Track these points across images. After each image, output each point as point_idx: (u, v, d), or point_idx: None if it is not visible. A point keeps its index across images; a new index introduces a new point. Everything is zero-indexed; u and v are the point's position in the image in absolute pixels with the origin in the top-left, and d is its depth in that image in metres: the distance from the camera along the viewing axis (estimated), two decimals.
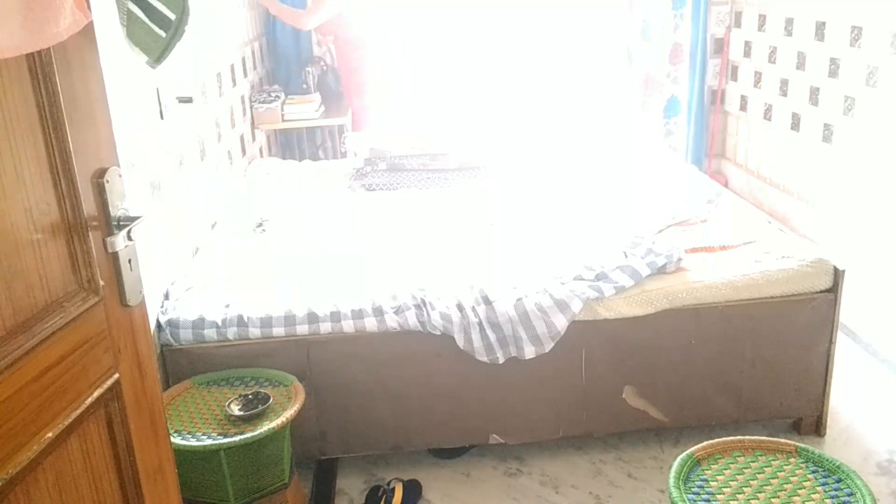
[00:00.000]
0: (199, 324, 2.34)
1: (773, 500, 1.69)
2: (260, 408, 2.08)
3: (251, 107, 4.14)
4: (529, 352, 2.35)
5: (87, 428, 1.18)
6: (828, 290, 2.49)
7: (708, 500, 1.70)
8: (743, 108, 4.70)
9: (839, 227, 3.71)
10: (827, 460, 1.77)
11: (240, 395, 2.15)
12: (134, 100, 2.32)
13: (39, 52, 1.07)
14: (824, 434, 2.62)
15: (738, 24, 4.72)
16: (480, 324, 2.35)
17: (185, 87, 2.90)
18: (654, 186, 3.41)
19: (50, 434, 1.08)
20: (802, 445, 1.82)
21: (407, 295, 2.43)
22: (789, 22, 4.09)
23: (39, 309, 1.08)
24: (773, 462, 1.80)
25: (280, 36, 4.71)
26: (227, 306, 2.43)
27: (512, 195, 3.39)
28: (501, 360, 2.37)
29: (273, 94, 4.25)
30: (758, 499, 1.69)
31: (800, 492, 1.71)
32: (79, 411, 1.15)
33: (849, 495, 1.68)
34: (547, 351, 2.36)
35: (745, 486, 1.73)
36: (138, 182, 2.28)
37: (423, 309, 2.38)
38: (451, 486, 2.49)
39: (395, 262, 2.74)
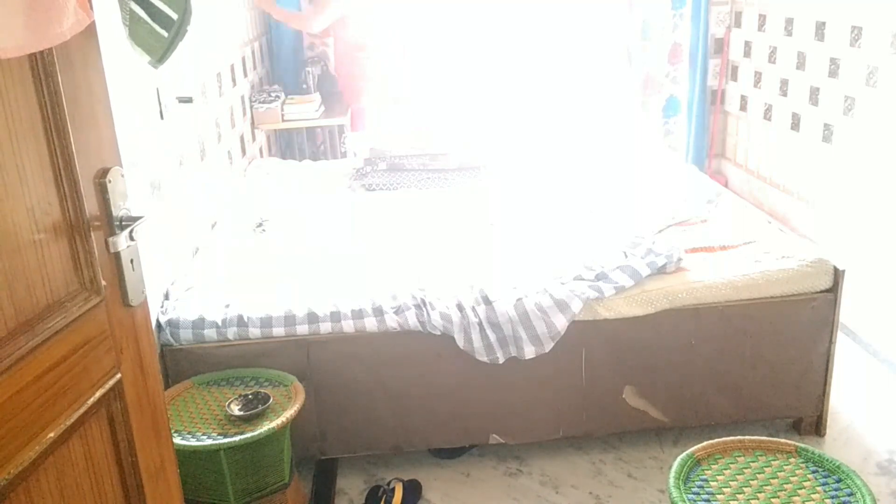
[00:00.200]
0: (199, 324, 2.34)
1: (773, 500, 1.69)
2: (260, 408, 2.08)
3: (251, 107, 4.14)
4: (529, 352, 2.36)
5: (89, 428, 1.18)
6: (828, 290, 2.49)
7: (708, 500, 1.70)
8: (743, 108, 4.70)
9: (839, 227, 3.71)
10: (827, 460, 1.77)
11: (240, 395, 2.15)
12: (134, 100, 2.32)
13: (42, 52, 1.07)
14: (824, 434, 2.63)
15: (738, 24, 4.73)
16: (480, 324, 2.35)
17: (185, 87, 2.90)
18: (654, 186, 3.41)
19: (52, 434, 1.08)
20: (802, 445, 1.83)
21: (407, 295, 2.43)
22: (789, 22, 4.09)
23: (41, 309, 1.08)
24: (773, 462, 1.80)
25: (280, 36, 4.71)
26: (227, 306, 2.43)
27: (512, 195, 3.39)
28: (501, 360, 2.37)
29: (273, 94, 4.25)
30: (758, 499, 1.69)
31: (800, 492, 1.71)
32: (80, 411, 1.15)
33: (849, 495, 1.68)
34: (547, 351, 2.36)
35: (745, 486, 1.73)
36: (138, 182, 2.28)
37: (423, 309, 2.38)
38: (451, 486, 2.49)
39: (395, 262, 2.74)
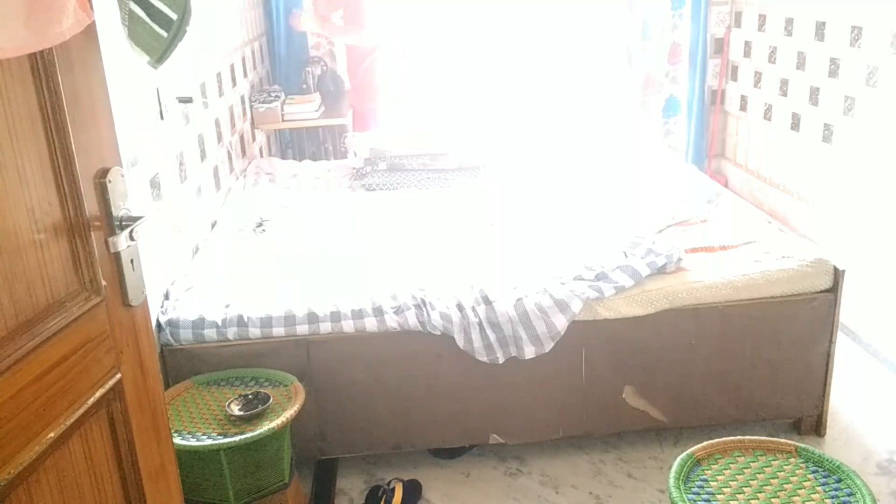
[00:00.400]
0: (199, 324, 2.34)
1: (773, 500, 1.69)
2: (260, 408, 2.08)
3: (251, 107, 4.14)
4: (529, 352, 2.36)
5: (89, 428, 1.18)
6: (828, 290, 2.49)
7: (708, 500, 1.70)
8: (743, 108, 4.70)
9: (839, 227, 3.71)
10: (827, 460, 1.77)
11: (240, 395, 2.15)
12: (134, 100, 2.32)
13: (42, 52, 1.07)
14: (824, 434, 2.63)
15: (738, 24, 4.73)
16: (480, 324, 2.35)
17: (185, 87, 2.90)
18: (654, 186, 3.41)
19: (52, 434, 1.08)
20: (802, 445, 1.83)
21: (407, 295, 2.43)
22: (789, 22, 4.09)
23: (41, 309, 1.08)
24: (773, 462, 1.80)
25: (280, 36, 4.71)
26: (227, 306, 2.43)
27: (512, 195, 3.40)
28: (501, 360, 2.37)
29: (273, 94, 4.24)
30: (758, 499, 1.69)
31: (800, 492, 1.71)
32: (81, 411, 1.15)
33: (849, 495, 1.68)
34: (547, 351, 2.36)
35: (745, 486, 1.73)
36: (138, 182, 2.28)
37: (423, 309, 2.38)
38: (451, 486, 2.49)
39: (395, 262, 2.74)
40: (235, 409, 2.09)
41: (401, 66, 4.84)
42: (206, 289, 2.54)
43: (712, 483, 1.75)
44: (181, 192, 2.74)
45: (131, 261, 1.28)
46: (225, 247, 2.88)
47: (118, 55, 1.77)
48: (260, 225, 3.12)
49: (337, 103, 4.52)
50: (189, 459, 1.98)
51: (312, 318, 2.37)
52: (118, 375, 1.24)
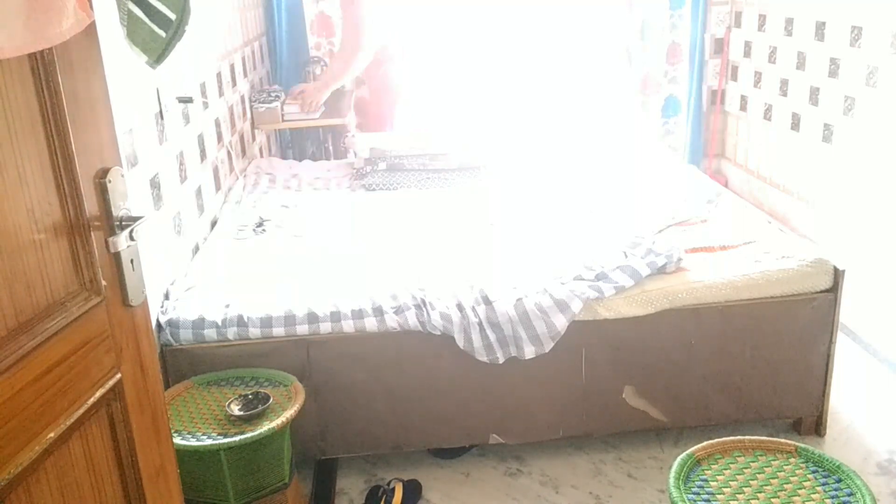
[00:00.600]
0: (199, 324, 2.34)
1: (773, 500, 1.69)
2: (260, 408, 2.08)
3: (251, 107, 4.14)
4: (529, 352, 2.36)
5: (89, 428, 1.18)
6: (828, 290, 2.49)
7: (708, 500, 1.70)
8: (743, 108, 4.70)
9: (839, 227, 3.71)
10: (827, 460, 1.77)
11: (240, 395, 2.15)
12: (134, 100, 2.32)
13: (42, 52, 1.07)
14: (824, 434, 2.63)
15: (738, 24, 4.73)
16: (480, 324, 2.35)
17: (185, 87, 2.90)
18: (654, 186, 3.41)
19: (52, 434, 1.08)
20: (802, 445, 1.83)
21: (407, 295, 2.43)
22: (789, 22, 4.09)
23: (41, 309, 1.08)
24: (773, 462, 1.80)
25: (280, 36, 4.71)
26: (227, 306, 2.43)
27: (512, 195, 3.40)
28: (501, 360, 2.37)
29: (273, 94, 4.24)
30: (758, 499, 1.69)
31: (800, 492, 1.71)
32: (81, 411, 1.15)
33: (849, 495, 1.68)
34: (547, 351, 2.36)
35: (745, 486, 1.73)
36: (138, 182, 2.28)
37: (423, 309, 2.38)
38: (451, 486, 2.49)
39: (395, 262, 2.74)
40: (235, 409, 2.09)
41: (402, 66, 4.84)
42: (206, 289, 2.54)
43: (712, 483, 1.75)
44: (181, 191, 2.74)
45: (131, 261, 1.28)
46: (225, 247, 2.88)
47: (118, 55, 1.77)
48: (260, 225, 3.12)
49: (337, 103, 4.52)
50: (189, 459, 1.98)
51: (312, 318, 2.37)
52: (118, 375, 1.24)
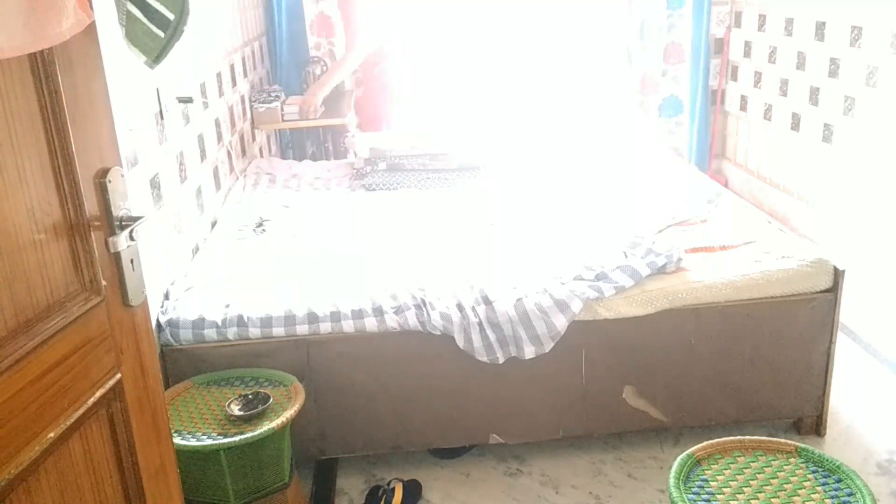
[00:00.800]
0: (199, 324, 2.34)
1: (773, 500, 1.69)
2: (260, 408, 2.08)
3: (251, 107, 4.14)
4: (529, 352, 2.36)
5: (89, 428, 1.18)
6: (828, 290, 2.49)
7: (708, 500, 1.70)
8: (743, 108, 4.70)
9: (839, 227, 3.71)
10: (827, 460, 1.77)
11: (240, 395, 2.15)
12: (134, 100, 2.32)
13: (42, 52, 1.07)
14: (824, 434, 2.63)
15: (738, 24, 4.73)
16: (480, 324, 2.35)
17: (185, 87, 2.90)
18: (654, 186, 3.41)
19: (52, 434, 1.08)
20: (802, 445, 1.83)
21: (407, 295, 2.43)
22: (789, 22, 4.09)
23: (41, 309, 1.08)
24: (773, 462, 1.80)
25: (280, 36, 4.71)
26: (227, 306, 2.43)
27: (512, 195, 3.40)
28: (501, 360, 2.37)
29: (273, 94, 4.24)
30: (758, 499, 1.69)
31: (800, 492, 1.71)
32: (81, 411, 1.15)
33: (849, 495, 1.68)
34: (547, 351, 2.36)
35: (745, 486, 1.73)
36: (138, 182, 2.28)
37: (423, 309, 2.38)
38: (451, 486, 2.49)
39: (395, 262, 2.74)
40: (235, 409, 2.09)
41: (401, 66, 4.84)
42: (206, 289, 2.54)
43: (712, 483, 1.75)
44: (181, 191, 2.74)
45: (131, 261, 1.28)
46: (225, 247, 2.88)
47: (118, 55, 1.77)
48: (260, 225, 3.12)
49: (337, 103, 4.52)
50: (189, 459, 1.98)
51: (312, 318, 2.37)
52: (118, 375, 1.24)
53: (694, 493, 1.72)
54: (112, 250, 1.23)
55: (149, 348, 1.35)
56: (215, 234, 3.01)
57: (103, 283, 1.20)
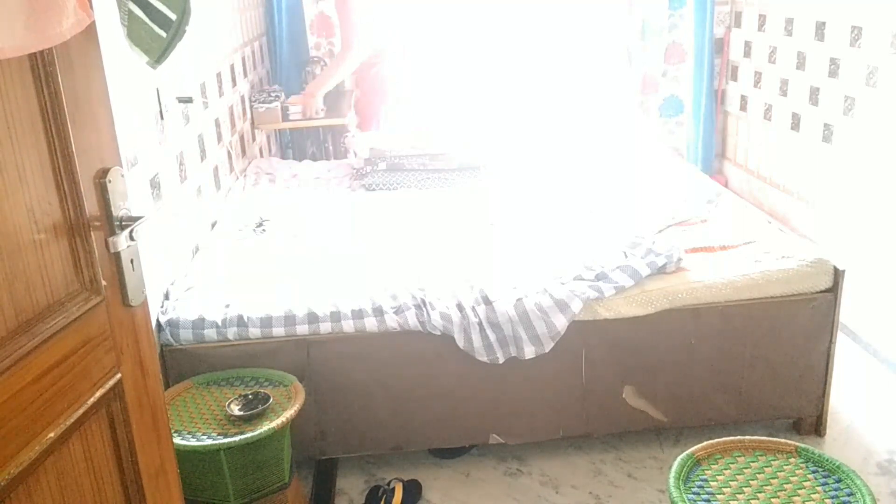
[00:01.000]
0: (199, 324, 2.34)
1: (773, 500, 1.69)
2: (260, 408, 2.08)
3: (251, 107, 4.14)
4: (529, 352, 2.36)
5: (89, 428, 1.18)
6: (828, 290, 2.49)
7: (708, 500, 1.70)
8: (743, 108, 4.70)
9: (839, 227, 3.71)
10: (827, 460, 1.77)
11: (240, 395, 2.15)
12: (134, 100, 2.32)
13: (42, 52, 1.07)
14: (824, 434, 2.63)
15: (738, 24, 4.73)
16: (480, 324, 2.35)
17: (185, 87, 2.90)
18: (654, 186, 3.41)
19: (52, 434, 1.08)
20: (802, 445, 1.83)
21: (407, 295, 2.43)
22: (789, 22, 4.09)
23: (41, 309, 1.08)
24: (773, 462, 1.80)
25: (280, 36, 4.71)
26: (227, 306, 2.43)
27: (512, 195, 3.40)
28: (501, 360, 2.37)
29: (273, 94, 4.24)
30: (758, 499, 1.69)
31: (800, 492, 1.71)
32: (81, 411, 1.15)
33: (849, 495, 1.68)
34: (547, 351, 2.36)
35: (745, 486, 1.73)
36: (138, 182, 2.28)
37: (423, 309, 2.38)
38: (451, 486, 2.49)
39: (395, 262, 2.74)
40: (235, 409, 2.09)
41: (401, 66, 4.84)
42: (206, 289, 2.54)
43: (712, 483, 1.75)
44: (181, 191, 2.74)
45: (131, 261, 1.28)
46: (225, 247, 2.88)
47: (118, 55, 1.77)
48: (260, 225, 3.12)
49: (337, 103, 4.52)
50: (189, 459, 1.98)
51: (312, 318, 2.37)
52: (118, 375, 1.24)
53: (694, 493, 1.72)
54: (112, 250, 1.23)
55: (149, 348, 1.35)
56: (215, 234, 3.01)
57: (103, 283, 1.20)
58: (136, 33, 1.70)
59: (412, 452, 2.60)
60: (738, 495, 1.71)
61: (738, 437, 1.87)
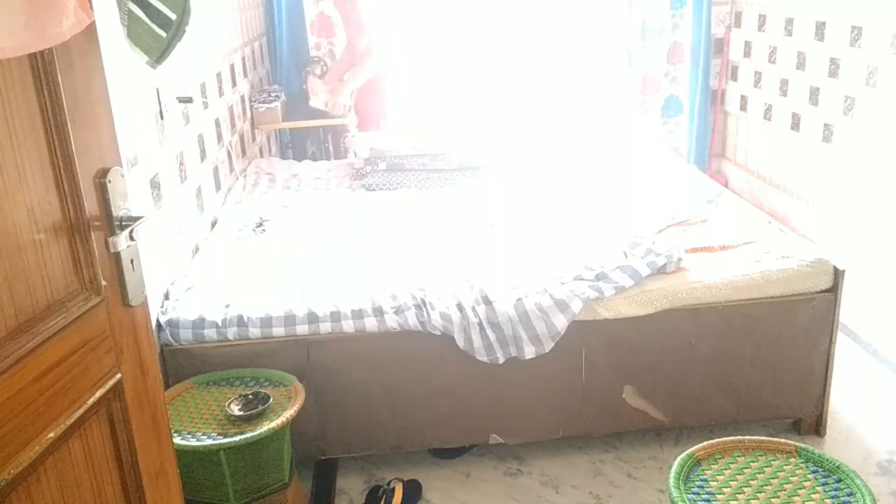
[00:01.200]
0: (199, 324, 2.34)
1: (773, 500, 1.69)
2: (260, 408, 2.08)
3: (251, 107, 4.14)
4: (529, 352, 2.36)
5: (89, 428, 1.18)
6: (828, 290, 2.49)
7: (708, 500, 1.70)
8: (743, 108, 4.70)
9: (839, 227, 3.71)
10: (827, 460, 1.77)
11: (240, 395, 2.15)
12: (134, 100, 2.32)
13: (42, 52, 1.07)
14: (824, 434, 2.63)
15: (738, 24, 4.73)
16: (480, 324, 2.35)
17: (185, 87, 2.90)
18: (654, 186, 3.41)
19: (52, 434, 1.08)
20: (802, 445, 1.83)
21: (407, 295, 2.43)
22: (789, 22, 4.09)
23: (41, 309, 1.08)
24: (773, 462, 1.80)
25: (280, 36, 4.71)
26: (227, 306, 2.43)
27: (512, 195, 3.40)
28: (501, 360, 2.37)
29: (273, 94, 4.24)
30: (758, 499, 1.69)
31: (800, 492, 1.71)
32: (81, 411, 1.15)
33: (849, 495, 1.68)
34: (547, 351, 2.36)
35: (745, 486, 1.73)
36: (138, 182, 2.28)
37: (423, 309, 2.38)
38: (451, 486, 2.49)
39: (395, 262, 2.74)
40: (235, 409, 2.09)
41: (401, 66, 4.84)
42: (206, 289, 2.54)
43: (712, 483, 1.75)
44: (181, 191, 2.74)
45: (131, 261, 1.28)
46: (225, 247, 2.88)
47: (118, 55, 1.77)
48: (260, 225, 3.12)
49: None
50: (189, 459, 1.98)
51: (312, 318, 2.37)
52: (118, 375, 1.24)
53: (694, 493, 1.72)
54: (112, 250, 1.23)
55: (149, 348, 1.35)
56: (215, 234, 3.01)
57: (103, 283, 1.20)
58: (136, 33, 1.70)
59: (412, 452, 2.60)
60: (738, 495, 1.71)
61: (738, 437, 1.87)
